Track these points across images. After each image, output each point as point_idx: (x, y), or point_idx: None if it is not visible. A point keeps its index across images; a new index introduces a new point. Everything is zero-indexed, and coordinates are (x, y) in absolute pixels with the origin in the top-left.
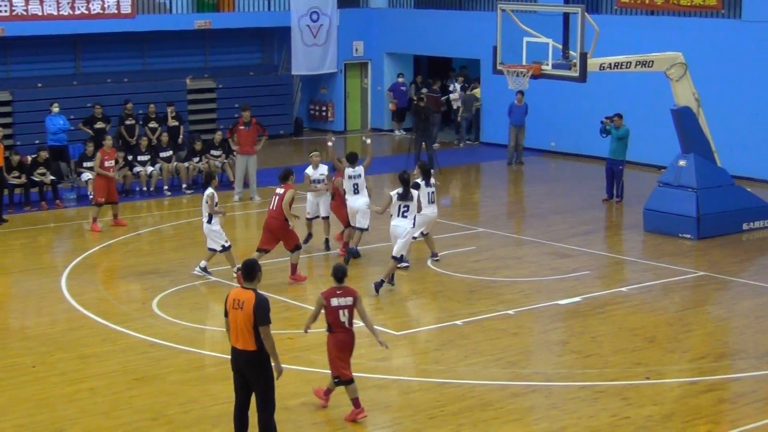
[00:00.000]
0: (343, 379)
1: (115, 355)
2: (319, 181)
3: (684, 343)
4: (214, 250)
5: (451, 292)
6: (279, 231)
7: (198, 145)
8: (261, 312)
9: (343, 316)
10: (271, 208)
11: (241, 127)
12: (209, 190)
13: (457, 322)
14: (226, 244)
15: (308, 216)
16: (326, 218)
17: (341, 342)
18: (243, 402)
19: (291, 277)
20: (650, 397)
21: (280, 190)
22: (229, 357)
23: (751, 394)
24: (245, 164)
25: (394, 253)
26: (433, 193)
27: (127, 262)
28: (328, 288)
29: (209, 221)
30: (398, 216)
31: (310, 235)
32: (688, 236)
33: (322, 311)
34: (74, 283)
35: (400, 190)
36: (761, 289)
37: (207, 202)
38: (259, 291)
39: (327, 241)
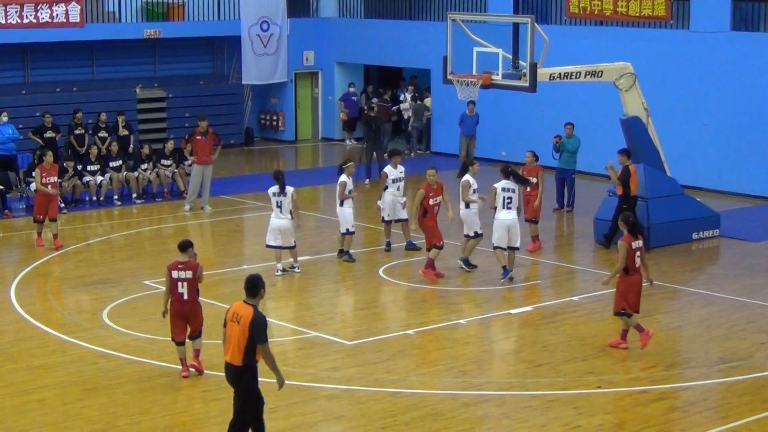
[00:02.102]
0: (176, 340)
1: (65, 365)
2: (353, 191)
3: (635, 352)
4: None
5: (403, 301)
6: (425, 229)
7: (146, 150)
8: (258, 331)
9: (182, 288)
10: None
11: (198, 137)
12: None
13: (409, 332)
14: (351, 228)
15: (350, 230)
16: (353, 233)
17: (179, 310)
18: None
19: (430, 272)
20: (601, 406)
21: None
22: (180, 368)
23: (701, 403)
24: (201, 174)
25: (513, 245)
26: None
27: (77, 272)
28: (173, 261)
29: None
30: (503, 208)
31: (348, 253)
32: None
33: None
34: (23, 294)
35: (504, 183)
36: (711, 298)
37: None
38: (258, 308)
39: (345, 252)
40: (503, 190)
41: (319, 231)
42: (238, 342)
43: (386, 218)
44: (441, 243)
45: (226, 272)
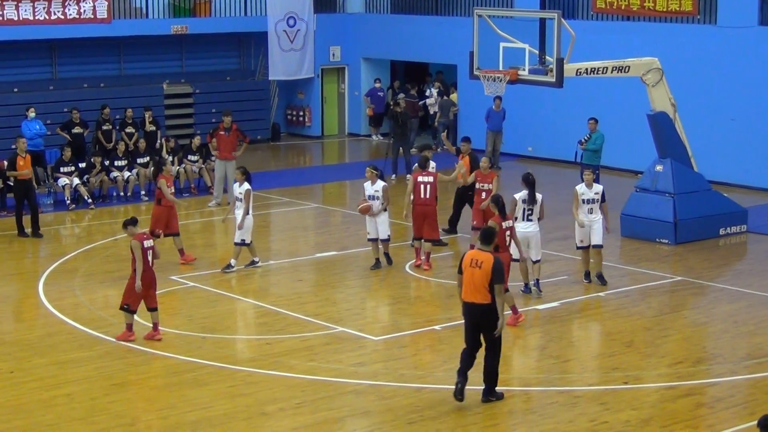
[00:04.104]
0: (134, 308)
1: (93, 360)
2: (374, 198)
3: (661, 347)
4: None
5: (429, 297)
6: (430, 217)
7: (171, 143)
8: (498, 273)
9: (150, 256)
10: (423, 197)
11: (221, 132)
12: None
13: (436, 327)
14: (370, 235)
15: (370, 237)
16: (387, 240)
17: (150, 279)
18: (473, 346)
19: (426, 264)
20: (628, 401)
21: (425, 179)
22: (207, 362)
23: (728, 399)
24: (224, 169)
25: (534, 258)
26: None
27: (105, 268)
28: (139, 233)
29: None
30: (523, 219)
31: (378, 261)
32: (666, 241)
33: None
34: (51, 289)
35: (525, 193)
36: (738, 294)
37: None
38: (494, 254)
39: (379, 259)
40: (523, 201)
41: (344, 227)
42: (483, 284)
43: None
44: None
45: (251, 267)
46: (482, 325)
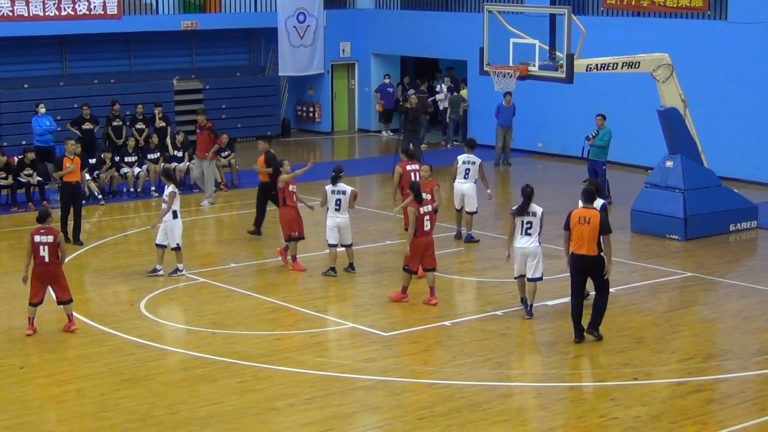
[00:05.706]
0: (32, 302)
1: (103, 356)
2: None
3: (672, 343)
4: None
5: (439, 293)
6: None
7: (180, 137)
8: (606, 225)
9: (43, 251)
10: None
11: (197, 131)
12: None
13: (446, 323)
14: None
15: (332, 242)
16: (350, 246)
17: (44, 273)
18: (579, 295)
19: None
20: (638, 397)
21: (413, 167)
22: (217, 358)
23: (738, 395)
24: (200, 168)
25: (530, 276)
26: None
27: (115, 263)
28: (36, 228)
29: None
30: (522, 234)
31: (332, 269)
32: (676, 237)
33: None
34: None
35: (518, 205)
36: (748, 290)
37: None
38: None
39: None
40: (519, 213)
41: (354, 223)
42: (593, 237)
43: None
44: None
45: (261, 263)
46: (590, 273)
